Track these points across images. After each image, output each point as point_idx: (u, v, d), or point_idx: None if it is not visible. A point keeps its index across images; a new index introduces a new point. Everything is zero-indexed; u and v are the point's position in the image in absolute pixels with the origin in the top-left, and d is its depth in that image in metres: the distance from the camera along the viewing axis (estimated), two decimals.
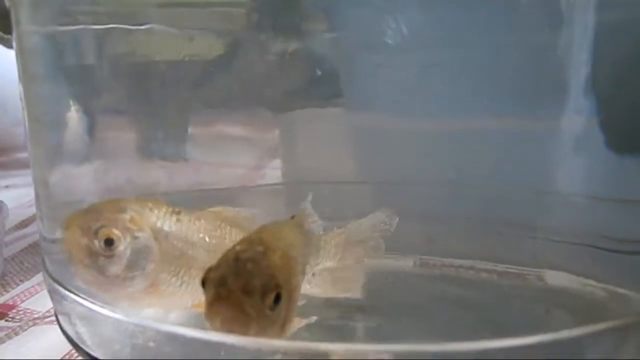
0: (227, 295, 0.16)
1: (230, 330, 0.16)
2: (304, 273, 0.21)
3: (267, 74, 0.28)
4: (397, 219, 0.24)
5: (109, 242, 0.20)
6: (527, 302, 0.26)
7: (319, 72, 0.27)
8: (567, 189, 0.26)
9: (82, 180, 0.29)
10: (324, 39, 0.27)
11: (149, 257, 0.21)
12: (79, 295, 0.23)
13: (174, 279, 0.21)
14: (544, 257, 0.27)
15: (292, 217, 0.23)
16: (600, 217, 0.26)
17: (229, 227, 0.23)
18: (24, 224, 0.48)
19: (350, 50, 0.28)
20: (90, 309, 0.22)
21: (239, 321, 0.16)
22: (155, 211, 0.22)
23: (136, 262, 0.21)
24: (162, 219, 0.22)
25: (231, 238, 0.23)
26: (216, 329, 0.16)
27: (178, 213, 0.22)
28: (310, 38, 0.27)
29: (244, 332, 0.16)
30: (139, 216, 0.21)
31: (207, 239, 0.22)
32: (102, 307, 0.21)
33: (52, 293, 0.25)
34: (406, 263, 0.29)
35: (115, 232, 0.21)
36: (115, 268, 0.21)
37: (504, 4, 0.24)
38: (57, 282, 0.24)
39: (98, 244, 0.20)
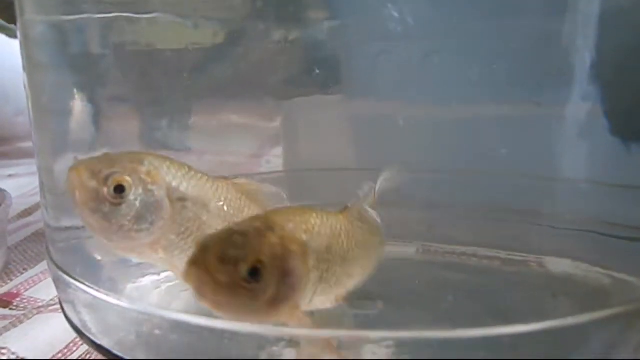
0: (202, 259, 0.16)
1: (202, 295, 0.16)
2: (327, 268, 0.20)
3: (269, 62, 0.28)
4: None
5: (119, 190, 0.20)
6: (530, 289, 0.26)
7: (321, 60, 0.27)
8: (570, 175, 0.26)
9: None
10: (326, 27, 0.27)
11: (158, 214, 0.20)
12: (83, 283, 0.23)
13: (182, 242, 0.21)
14: (547, 243, 0.27)
15: (345, 208, 0.22)
16: (604, 203, 0.26)
17: (249, 202, 0.22)
18: (27, 212, 0.48)
19: (352, 37, 0.28)
20: (95, 297, 0.22)
21: (209, 286, 0.16)
22: (174, 170, 0.21)
23: (144, 215, 0.20)
24: (179, 179, 0.21)
25: (249, 212, 0.22)
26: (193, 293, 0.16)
27: (199, 177, 0.21)
28: (311, 26, 0.27)
29: (215, 299, 0.16)
30: (156, 171, 0.21)
31: (225, 208, 0.22)
32: (107, 295, 0.21)
33: (57, 281, 0.26)
34: (409, 250, 0.29)
35: (128, 180, 0.20)
36: (122, 218, 0.20)
37: None
38: (61, 270, 0.24)
39: (107, 190, 0.20)
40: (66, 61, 0.27)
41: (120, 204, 0.20)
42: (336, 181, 0.31)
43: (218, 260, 0.16)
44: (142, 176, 0.20)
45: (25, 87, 0.28)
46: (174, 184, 0.21)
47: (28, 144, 0.74)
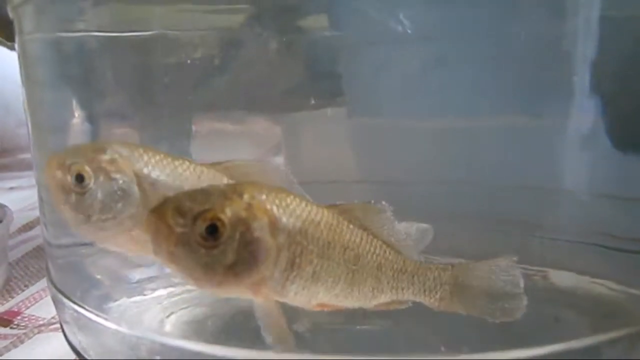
0: (161, 209, 0.16)
1: (157, 245, 0.16)
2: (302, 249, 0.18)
3: (269, 74, 0.28)
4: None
5: (80, 179, 0.20)
6: (534, 303, 0.26)
7: (322, 72, 0.27)
8: (573, 187, 0.26)
9: None
10: (326, 38, 0.27)
11: (126, 202, 0.20)
12: (82, 307, 0.23)
13: None
14: (550, 256, 0.27)
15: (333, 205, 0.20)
16: (607, 215, 0.25)
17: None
18: (28, 226, 0.48)
19: (353, 49, 0.27)
20: (92, 320, 0.22)
21: (164, 236, 0.16)
22: (146, 157, 0.21)
23: (109, 204, 0.20)
24: (152, 166, 0.21)
25: None
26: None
27: (178, 164, 0.21)
28: (312, 37, 0.27)
29: (169, 251, 0.16)
30: (122, 159, 0.20)
31: None
32: (105, 319, 0.21)
33: (56, 301, 0.25)
34: None
35: (86, 169, 0.20)
36: (86, 207, 0.20)
37: (510, 2, 0.24)
38: (61, 292, 0.24)
39: (70, 179, 0.20)
40: (65, 78, 0.27)
41: (83, 194, 0.20)
42: (338, 193, 0.31)
43: (176, 210, 0.16)
44: (103, 165, 0.20)
45: (23, 104, 0.28)
46: (145, 170, 0.20)
47: (29, 156, 0.75)
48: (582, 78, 0.24)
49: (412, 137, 0.28)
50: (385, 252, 0.20)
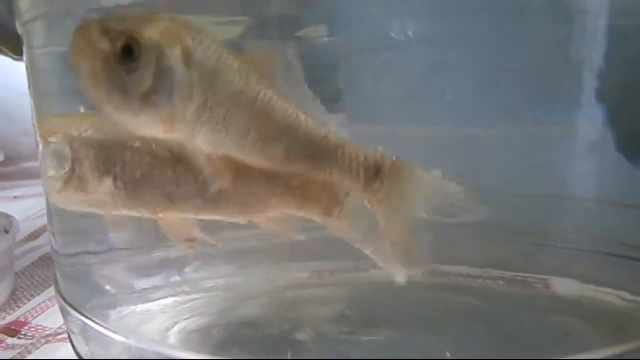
0: (84, 28, 0.17)
1: (77, 61, 0.17)
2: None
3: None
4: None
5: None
6: (541, 312, 0.26)
7: (321, 77, 0.27)
8: (577, 194, 0.25)
9: None
10: (326, 45, 0.27)
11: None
12: (89, 318, 0.23)
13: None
14: (556, 264, 0.27)
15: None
16: (613, 223, 0.25)
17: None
18: (33, 235, 0.49)
19: (353, 55, 0.28)
20: (99, 332, 0.22)
21: (85, 53, 0.17)
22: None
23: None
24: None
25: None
26: None
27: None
28: (311, 44, 0.27)
29: (87, 66, 0.17)
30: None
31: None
32: (112, 331, 0.21)
33: (64, 312, 0.26)
34: (415, 273, 0.29)
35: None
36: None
37: (516, 9, 0.24)
38: (68, 303, 0.24)
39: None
40: (75, 92, 0.28)
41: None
42: None
43: (98, 28, 0.17)
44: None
45: (32, 118, 0.28)
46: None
47: (33, 164, 0.75)
48: (587, 85, 0.24)
49: (414, 145, 0.28)
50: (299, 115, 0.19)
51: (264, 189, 0.20)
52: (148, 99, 0.17)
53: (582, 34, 0.23)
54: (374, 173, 0.19)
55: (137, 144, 0.20)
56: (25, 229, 0.49)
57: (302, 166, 0.19)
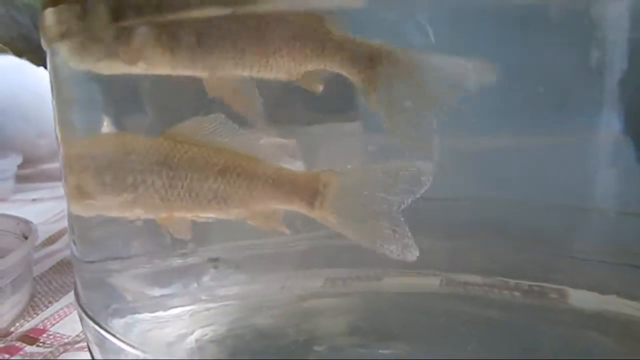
0: None
1: None
2: None
3: (282, 88, 0.28)
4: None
5: None
6: (560, 324, 0.25)
7: (335, 83, 0.26)
8: (597, 205, 0.25)
9: None
10: None
11: None
12: (112, 334, 0.23)
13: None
14: (575, 275, 0.26)
15: None
16: (633, 234, 0.25)
17: None
18: (51, 240, 0.49)
19: None
20: (115, 344, 0.23)
21: None
22: None
23: None
24: None
25: None
26: None
27: None
28: None
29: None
30: None
31: None
32: (129, 344, 0.21)
33: (83, 321, 0.26)
34: (432, 282, 0.29)
35: None
36: None
37: (536, 19, 0.23)
38: (86, 313, 0.24)
39: None
40: (98, 98, 0.28)
41: None
42: None
43: None
44: None
45: (55, 123, 0.28)
46: None
47: (51, 166, 0.76)
48: (607, 94, 0.23)
49: (431, 154, 0.28)
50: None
51: (245, 184, 0.21)
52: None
53: (602, 42, 0.23)
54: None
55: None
56: (42, 233, 0.49)
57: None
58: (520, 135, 0.26)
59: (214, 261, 0.22)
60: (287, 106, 0.28)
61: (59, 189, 0.69)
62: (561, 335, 0.24)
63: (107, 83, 0.27)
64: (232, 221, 0.31)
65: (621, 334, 0.24)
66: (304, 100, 0.28)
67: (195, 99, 0.28)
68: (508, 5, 0.23)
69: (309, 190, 0.21)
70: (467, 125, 0.26)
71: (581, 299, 0.26)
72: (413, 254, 0.19)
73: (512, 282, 0.27)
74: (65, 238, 0.48)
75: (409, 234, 0.20)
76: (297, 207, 0.21)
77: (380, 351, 0.24)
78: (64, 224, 0.52)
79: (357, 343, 0.25)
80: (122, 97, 0.27)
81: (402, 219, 0.20)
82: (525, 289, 0.27)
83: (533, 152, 0.26)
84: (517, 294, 0.27)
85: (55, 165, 0.74)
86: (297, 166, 0.23)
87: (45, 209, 0.58)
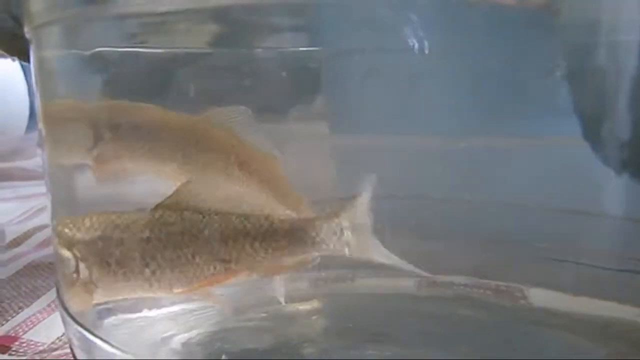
0: None
1: None
2: None
3: (249, 89, 0.27)
4: None
5: None
6: (545, 326, 0.26)
7: (302, 85, 0.26)
8: (594, 210, 0.25)
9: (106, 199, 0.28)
10: (308, 54, 0.27)
11: None
12: (89, 331, 0.23)
13: None
14: (581, 282, 0.26)
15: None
16: (633, 239, 0.25)
17: None
18: (16, 242, 0.47)
19: (337, 65, 0.27)
20: (100, 346, 0.22)
21: None
22: None
23: None
24: None
25: None
26: None
27: None
28: (291, 50, 0.26)
29: None
30: None
31: None
32: (114, 346, 0.21)
33: (66, 324, 0.25)
34: (409, 283, 0.29)
35: None
36: None
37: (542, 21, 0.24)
38: (74, 320, 0.24)
39: None
40: (85, 93, 0.27)
41: None
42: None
43: None
44: None
45: (39, 119, 0.27)
46: None
47: (12, 165, 0.72)
48: (615, 100, 0.24)
49: (409, 155, 0.28)
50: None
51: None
52: None
53: (600, 47, 0.23)
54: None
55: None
56: (7, 235, 0.47)
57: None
58: (489, 136, 0.27)
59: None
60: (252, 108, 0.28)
61: (22, 188, 0.67)
62: (567, 340, 0.25)
63: (98, 75, 0.26)
64: None
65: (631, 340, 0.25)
66: (268, 102, 0.28)
67: (186, 95, 0.27)
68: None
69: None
70: (437, 126, 0.26)
71: (588, 306, 0.26)
72: None
73: (483, 281, 0.28)
74: (33, 240, 0.47)
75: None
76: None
77: (367, 352, 0.25)
78: (30, 224, 0.50)
79: (345, 345, 0.25)
80: (113, 90, 0.26)
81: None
82: (510, 290, 0.28)
83: (502, 153, 0.27)
84: (489, 292, 0.28)
85: (15, 165, 0.71)
86: None
87: (8, 209, 0.55)
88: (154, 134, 0.24)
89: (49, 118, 0.27)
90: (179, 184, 0.22)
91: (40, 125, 0.27)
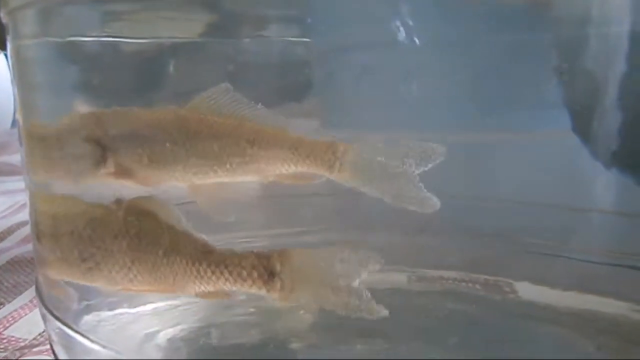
0: None
1: None
2: None
3: (239, 85, 0.27)
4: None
5: None
6: (562, 327, 0.26)
7: (293, 80, 0.26)
8: (589, 205, 0.25)
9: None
10: (300, 50, 0.26)
11: None
12: (70, 327, 0.22)
13: None
14: (578, 277, 0.26)
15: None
16: (627, 235, 0.25)
17: None
18: None
19: (329, 62, 0.27)
20: (80, 342, 0.22)
21: None
22: None
23: None
24: None
25: None
26: None
27: None
28: (282, 43, 0.26)
29: None
30: None
31: None
32: (94, 342, 0.21)
33: (45, 320, 0.25)
34: (400, 277, 0.29)
35: None
36: None
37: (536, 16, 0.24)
38: (54, 317, 0.23)
39: None
40: (62, 83, 0.26)
41: None
42: (321, 207, 0.30)
43: None
44: None
45: (17, 109, 0.27)
46: None
47: None
48: (609, 95, 0.24)
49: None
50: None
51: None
52: None
53: (599, 44, 0.23)
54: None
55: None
56: None
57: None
58: (480, 131, 0.27)
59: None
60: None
61: (7, 183, 0.65)
62: (568, 336, 0.25)
63: (77, 64, 0.25)
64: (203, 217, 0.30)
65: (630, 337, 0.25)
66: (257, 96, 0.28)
67: (169, 82, 0.27)
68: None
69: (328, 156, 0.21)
70: (431, 122, 0.26)
71: (584, 301, 0.26)
72: (433, 206, 0.19)
73: (473, 276, 0.28)
74: (16, 235, 0.46)
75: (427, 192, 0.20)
76: (319, 171, 0.21)
77: (357, 346, 0.24)
78: (13, 220, 0.49)
79: (334, 340, 0.25)
80: (93, 79, 0.26)
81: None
82: (502, 285, 0.28)
83: (492, 148, 0.27)
84: (478, 287, 0.28)
85: (0, 159, 0.70)
86: None
87: None
88: (152, 137, 0.23)
89: (34, 140, 0.26)
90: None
91: (18, 114, 0.26)
